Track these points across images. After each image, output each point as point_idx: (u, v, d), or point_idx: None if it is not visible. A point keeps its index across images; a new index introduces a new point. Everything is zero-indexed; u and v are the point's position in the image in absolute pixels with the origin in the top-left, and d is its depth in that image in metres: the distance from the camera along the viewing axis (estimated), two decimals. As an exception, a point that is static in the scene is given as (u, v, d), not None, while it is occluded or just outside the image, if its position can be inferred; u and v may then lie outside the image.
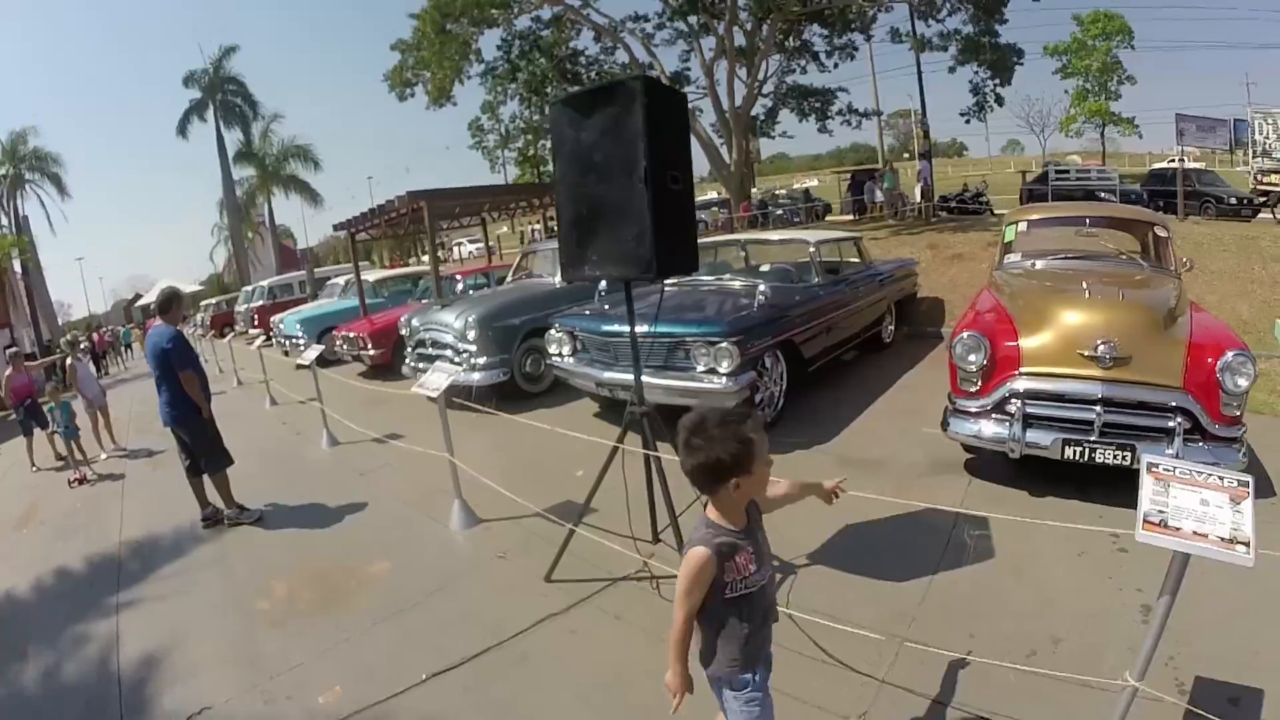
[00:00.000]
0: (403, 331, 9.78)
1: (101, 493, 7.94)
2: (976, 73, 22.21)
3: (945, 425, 5.05)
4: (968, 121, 23.49)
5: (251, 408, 11.30)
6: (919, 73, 25.87)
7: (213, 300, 34.30)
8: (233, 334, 22.45)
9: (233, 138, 40.81)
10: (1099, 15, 33.23)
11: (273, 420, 10.21)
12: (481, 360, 8.34)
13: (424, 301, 12.81)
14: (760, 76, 23.49)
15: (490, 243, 23.70)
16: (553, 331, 7.65)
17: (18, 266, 34.76)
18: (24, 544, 6.71)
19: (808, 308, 7.40)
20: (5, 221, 36.74)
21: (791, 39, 23.58)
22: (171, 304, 6.28)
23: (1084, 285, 5.17)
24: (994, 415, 4.79)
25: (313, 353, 8.15)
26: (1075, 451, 4.46)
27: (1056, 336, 4.73)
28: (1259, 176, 21.43)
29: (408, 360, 9.44)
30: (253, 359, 11.81)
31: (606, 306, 7.74)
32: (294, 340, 14.59)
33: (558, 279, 9.83)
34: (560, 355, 7.59)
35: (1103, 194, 21.36)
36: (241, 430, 8.94)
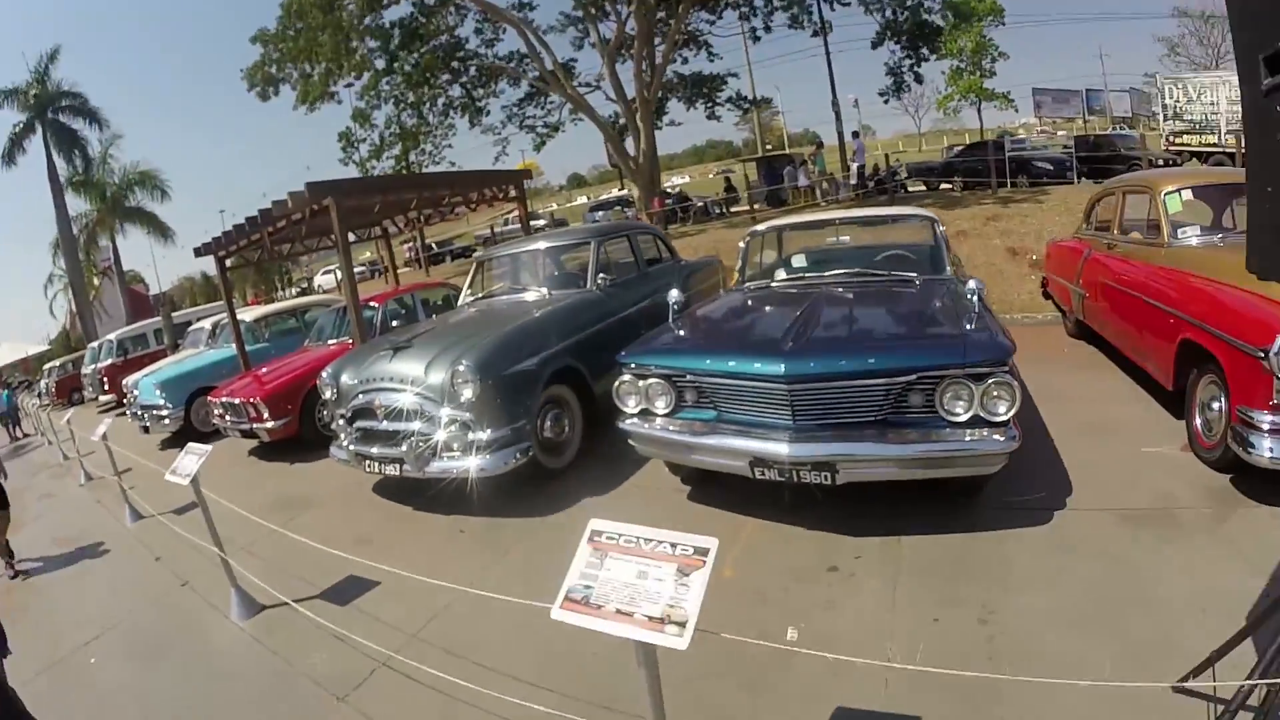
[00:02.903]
0: (325, 394, 5.93)
1: None
2: (893, 53, 21.94)
3: (1249, 449, 3.75)
4: (886, 101, 24.52)
5: (104, 526, 7.02)
6: (828, 55, 24.61)
7: (56, 362, 27.94)
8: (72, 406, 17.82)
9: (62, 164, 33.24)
10: (970, -5, 32.65)
11: (139, 552, 6.03)
12: (486, 434, 4.82)
13: (327, 344, 9.05)
14: (658, 62, 21.58)
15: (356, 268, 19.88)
16: (627, 377, 4.35)
17: None
18: None
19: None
20: None
21: (676, 25, 21.63)
22: None
23: None
24: None
25: (191, 463, 4.23)
26: None
27: None
28: (1171, 138, 22.05)
29: (343, 440, 5.63)
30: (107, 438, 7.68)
31: (674, 331, 4.73)
32: (154, 411, 10.16)
33: (546, 290, 6.59)
34: (648, 415, 4.34)
35: (1040, 162, 20.69)
36: (94, 577, 5.78)
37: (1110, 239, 6.65)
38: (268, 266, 33.87)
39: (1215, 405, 4.30)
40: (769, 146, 48.56)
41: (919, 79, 22.78)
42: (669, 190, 27.45)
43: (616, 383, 4.42)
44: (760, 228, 6.64)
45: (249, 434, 7.92)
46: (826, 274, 5.62)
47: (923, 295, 4.92)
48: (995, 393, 3.62)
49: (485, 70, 22.45)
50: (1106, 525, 3.91)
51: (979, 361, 3.67)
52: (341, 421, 5.66)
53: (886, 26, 21.22)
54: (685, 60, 23.89)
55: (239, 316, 11.30)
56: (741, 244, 6.42)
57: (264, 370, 8.72)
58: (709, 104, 24.48)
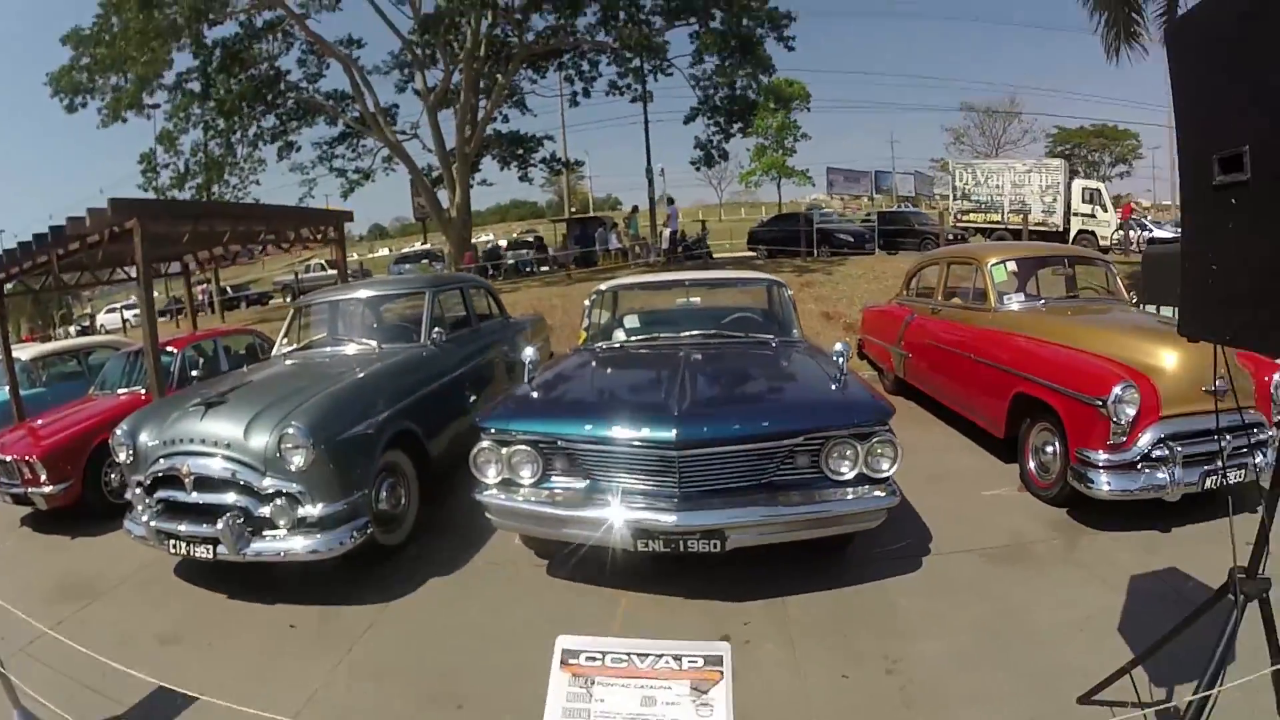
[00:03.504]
0: (119, 455, 4.93)
1: None
2: (706, 127, 22.91)
3: (1089, 484, 4.35)
4: (698, 169, 25.31)
5: None
6: (646, 123, 25.56)
7: None
8: None
9: None
10: (780, 83, 35.68)
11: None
12: (318, 509, 4.16)
13: (117, 394, 7.71)
14: (480, 117, 21.47)
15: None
16: (487, 444, 3.94)
17: None
18: None
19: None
20: None
21: (504, 80, 21.63)
22: None
23: (1160, 325, 5.15)
24: (1140, 465, 4.32)
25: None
26: (1213, 480, 4.26)
27: (1181, 376, 4.39)
28: (958, 215, 24.72)
29: (140, 513, 4.63)
30: None
31: (534, 393, 4.42)
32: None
33: (375, 344, 6.04)
34: (511, 486, 3.94)
35: (842, 234, 22.22)
36: None
37: (935, 304, 7.18)
38: (48, 298, 29.73)
39: (1049, 449, 4.90)
40: (574, 209, 49.78)
41: (724, 155, 24.15)
42: (480, 243, 27.18)
43: (474, 450, 4.01)
44: (604, 286, 6.51)
45: (22, 499, 6.55)
46: (681, 335, 5.57)
47: (785, 357, 5.05)
48: (879, 450, 3.75)
49: (304, 104, 21.47)
50: (973, 565, 4.23)
51: (864, 421, 3.79)
52: (139, 490, 4.72)
53: (704, 101, 22.15)
54: (506, 119, 24.01)
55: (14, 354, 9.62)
56: (587, 302, 6.30)
57: (40, 422, 7.31)
58: (522, 165, 24.58)
